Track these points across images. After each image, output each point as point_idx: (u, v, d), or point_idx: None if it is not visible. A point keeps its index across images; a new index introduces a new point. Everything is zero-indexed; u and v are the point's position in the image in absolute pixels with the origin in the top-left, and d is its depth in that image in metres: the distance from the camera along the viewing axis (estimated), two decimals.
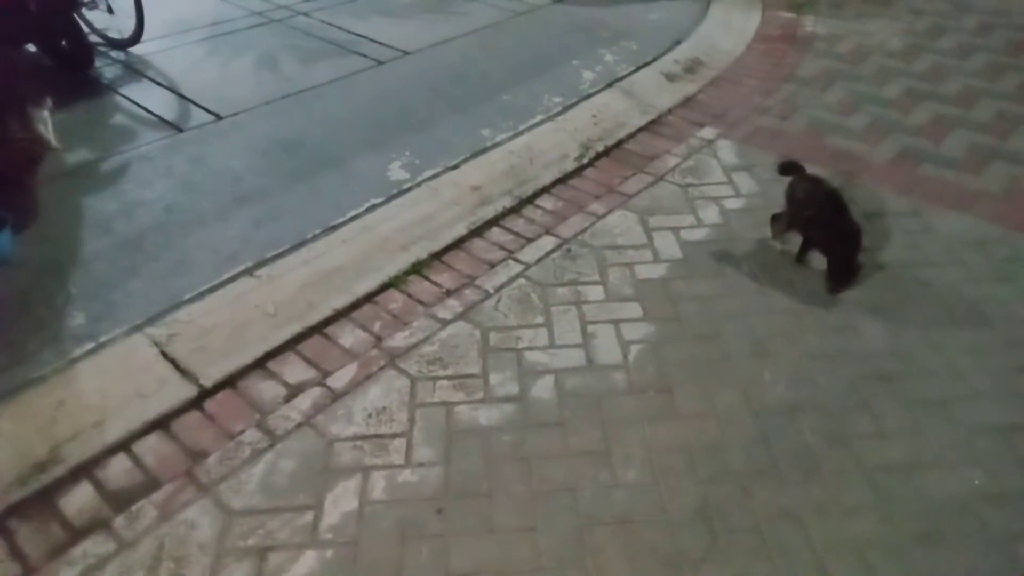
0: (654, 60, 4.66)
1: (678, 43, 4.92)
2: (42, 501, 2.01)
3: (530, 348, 2.53)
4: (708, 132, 3.86)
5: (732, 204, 3.27)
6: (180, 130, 3.83)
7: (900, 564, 1.87)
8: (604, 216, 3.20)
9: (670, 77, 4.44)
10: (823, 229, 2.75)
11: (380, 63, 4.68)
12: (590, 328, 2.61)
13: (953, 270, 2.86)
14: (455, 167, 3.53)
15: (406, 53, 4.83)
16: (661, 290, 2.78)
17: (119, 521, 1.96)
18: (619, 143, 3.77)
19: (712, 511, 1.99)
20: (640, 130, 3.89)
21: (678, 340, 2.56)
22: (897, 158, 3.61)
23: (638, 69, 4.54)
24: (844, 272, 2.73)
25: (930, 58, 4.71)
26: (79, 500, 2.02)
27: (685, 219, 3.17)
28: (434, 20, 5.42)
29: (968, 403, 2.31)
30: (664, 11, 5.60)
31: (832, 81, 4.41)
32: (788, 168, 2.89)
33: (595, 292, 2.77)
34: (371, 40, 5.01)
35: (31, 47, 4.33)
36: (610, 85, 4.33)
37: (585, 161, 3.60)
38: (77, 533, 1.94)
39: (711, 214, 3.21)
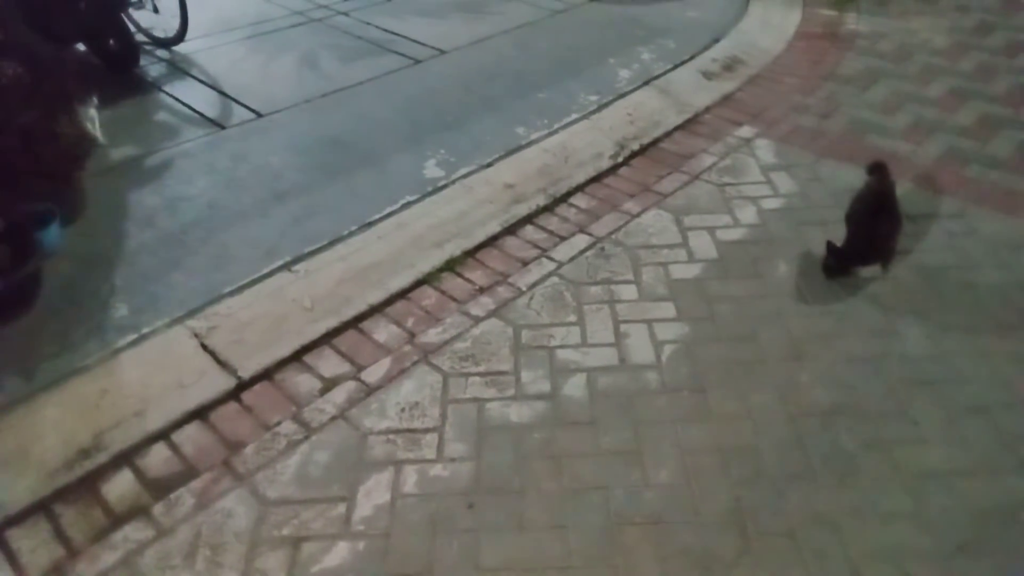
0: (692, 58, 4.61)
1: (716, 41, 4.86)
2: (85, 486, 2.07)
3: (562, 346, 2.52)
4: (746, 131, 3.81)
5: (770, 204, 3.22)
6: (222, 127, 3.91)
7: (939, 574, 1.82)
8: (638, 215, 3.18)
9: (708, 75, 4.40)
10: (862, 225, 2.71)
11: (417, 62, 4.72)
12: (623, 327, 2.59)
13: (998, 273, 2.78)
14: (489, 165, 3.54)
15: (443, 52, 4.85)
16: (696, 290, 2.75)
17: (158, 508, 2.01)
18: (655, 142, 3.74)
19: (745, 514, 1.97)
20: (676, 129, 3.86)
21: (712, 341, 2.53)
22: (942, 158, 3.52)
23: (675, 67, 4.50)
24: (848, 261, 2.74)
25: (977, 56, 4.58)
26: (120, 487, 2.08)
27: (721, 219, 3.14)
28: (471, 19, 5.44)
29: (1012, 410, 2.24)
30: (702, 9, 5.54)
31: (874, 80, 4.31)
32: (873, 169, 2.83)
33: (628, 291, 2.75)
34: (408, 39, 5.04)
35: (80, 46, 4.45)
36: (646, 83, 4.30)
37: (620, 160, 3.58)
38: (118, 518, 1.99)
39: (748, 214, 3.16)
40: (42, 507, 2.01)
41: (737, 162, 3.54)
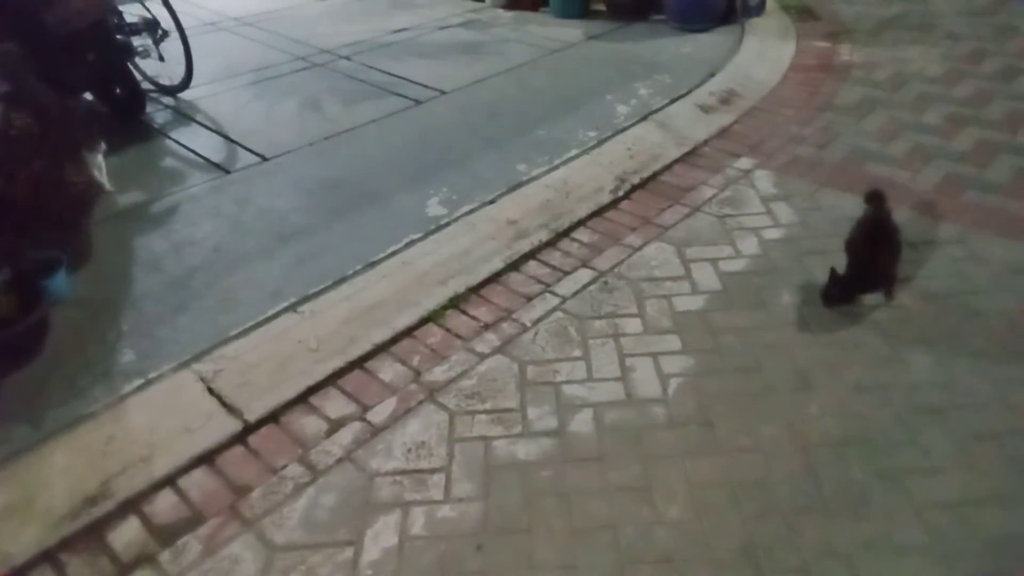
0: (688, 92, 4.68)
1: (712, 75, 4.94)
2: (92, 534, 2.06)
3: (568, 382, 2.52)
4: (745, 162, 3.85)
5: (771, 234, 3.24)
6: (227, 172, 3.97)
7: None
8: (641, 248, 3.20)
9: (705, 109, 4.46)
10: (860, 254, 2.72)
11: (419, 103, 4.79)
12: (628, 361, 2.59)
13: (1003, 298, 2.78)
14: (492, 202, 3.57)
15: (443, 92, 4.94)
16: (700, 322, 2.75)
17: (165, 555, 2.00)
18: (655, 175, 3.78)
19: (758, 549, 1.94)
20: (676, 162, 3.90)
21: (719, 373, 2.52)
22: (941, 184, 3.54)
23: (672, 102, 4.57)
24: (850, 291, 2.74)
25: (972, 83, 4.63)
26: (127, 534, 2.06)
27: (723, 250, 3.15)
28: (470, 60, 5.54)
29: (1022, 436, 2.22)
30: (697, 44, 5.64)
31: (871, 109, 4.36)
32: (869, 198, 2.82)
33: (633, 325, 2.76)
34: (410, 81, 5.14)
35: (87, 95, 4.54)
36: (644, 118, 4.36)
37: (621, 194, 3.61)
38: (125, 567, 1.98)
39: (750, 245, 3.18)
40: (48, 557, 2.00)
41: (737, 193, 3.57)
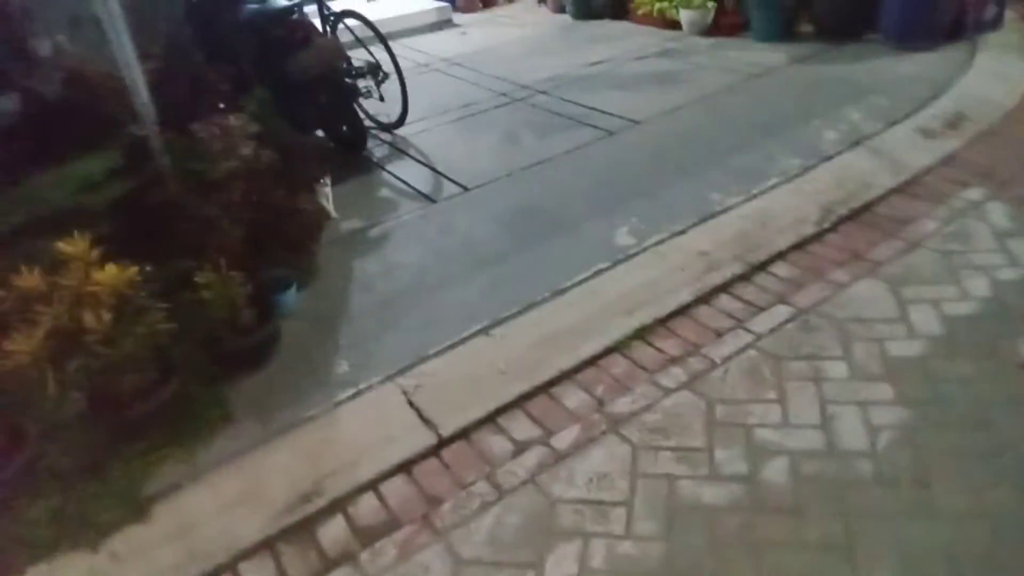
0: (908, 116, 4.29)
1: (936, 97, 4.49)
2: (304, 529, 2.28)
3: (761, 425, 2.39)
4: (975, 193, 3.44)
5: (1006, 275, 2.86)
6: (433, 201, 4.27)
7: None
8: (848, 285, 2.97)
9: (927, 134, 4.06)
10: None
11: (611, 133, 4.85)
12: (831, 408, 2.40)
13: None
14: (682, 232, 3.51)
15: (636, 123, 4.95)
16: (917, 370, 2.49)
17: (365, 556, 2.16)
18: (866, 206, 3.50)
19: None
20: (891, 192, 3.58)
21: (938, 427, 2.26)
22: None
23: (889, 126, 4.21)
24: None
25: None
26: (334, 532, 2.26)
27: (947, 290, 2.83)
28: (664, 90, 5.51)
29: None
30: (918, 64, 5.15)
31: None
32: None
33: (837, 369, 2.56)
34: (603, 112, 5.21)
35: (318, 132, 5.11)
36: (856, 144, 4.06)
37: (826, 226, 3.38)
38: (330, 562, 2.16)
39: (980, 285, 2.83)
40: (268, 545, 2.24)
41: (964, 227, 3.20)
